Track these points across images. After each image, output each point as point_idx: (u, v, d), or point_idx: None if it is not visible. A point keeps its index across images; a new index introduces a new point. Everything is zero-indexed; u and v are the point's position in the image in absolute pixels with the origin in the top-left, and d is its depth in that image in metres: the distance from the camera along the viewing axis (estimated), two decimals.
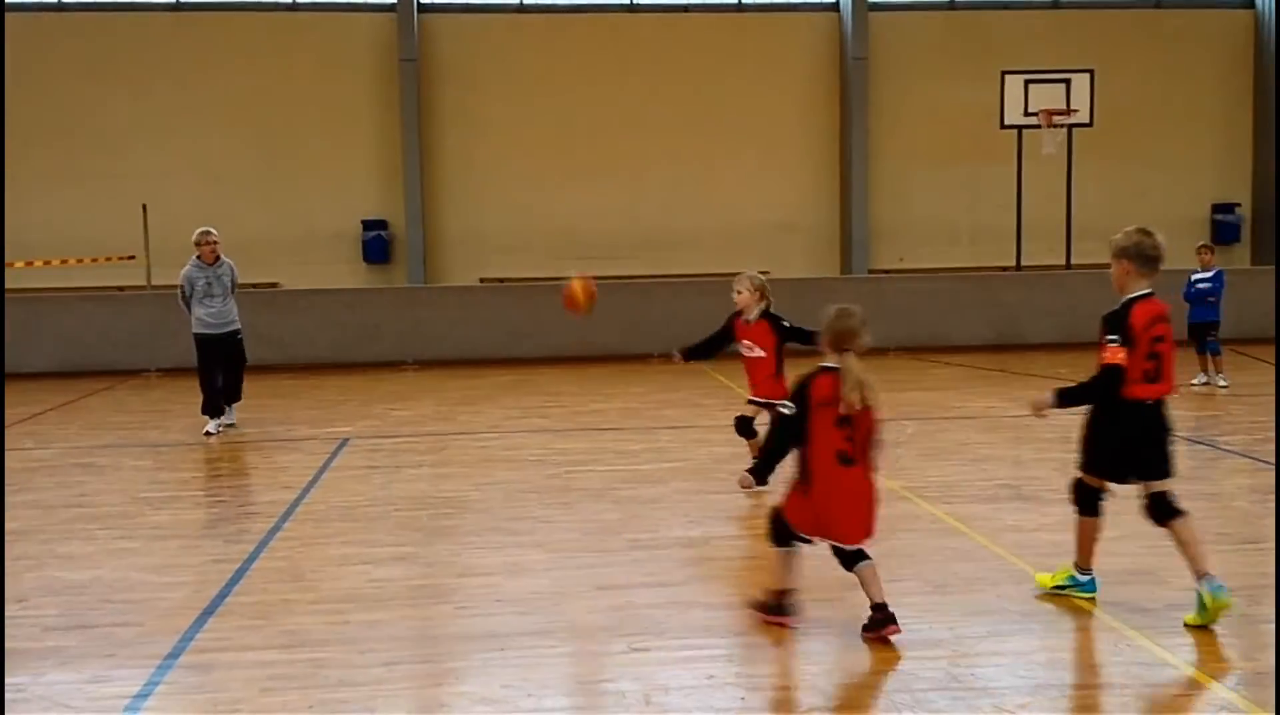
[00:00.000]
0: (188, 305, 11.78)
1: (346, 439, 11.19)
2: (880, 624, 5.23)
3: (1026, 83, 19.59)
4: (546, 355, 17.91)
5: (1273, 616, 5.38)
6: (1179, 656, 5.02)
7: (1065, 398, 5.55)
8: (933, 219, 23.58)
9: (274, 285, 21.27)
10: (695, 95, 23.31)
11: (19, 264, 18.48)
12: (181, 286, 11.77)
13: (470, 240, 23.24)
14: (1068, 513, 7.56)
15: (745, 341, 8.34)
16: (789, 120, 23.71)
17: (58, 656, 5.28)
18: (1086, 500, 5.77)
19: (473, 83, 23.02)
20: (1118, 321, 5.47)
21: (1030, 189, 20.01)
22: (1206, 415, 11.76)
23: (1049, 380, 14.31)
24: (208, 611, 5.86)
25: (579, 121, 22.87)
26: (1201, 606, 5.32)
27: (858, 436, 5.24)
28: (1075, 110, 19.50)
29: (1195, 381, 13.64)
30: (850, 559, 5.34)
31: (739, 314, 8.38)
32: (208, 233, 11.79)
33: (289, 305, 18.41)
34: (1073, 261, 19.98)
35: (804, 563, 5.51)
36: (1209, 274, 13.76)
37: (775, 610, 5.48)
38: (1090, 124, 19.70)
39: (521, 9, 23.32)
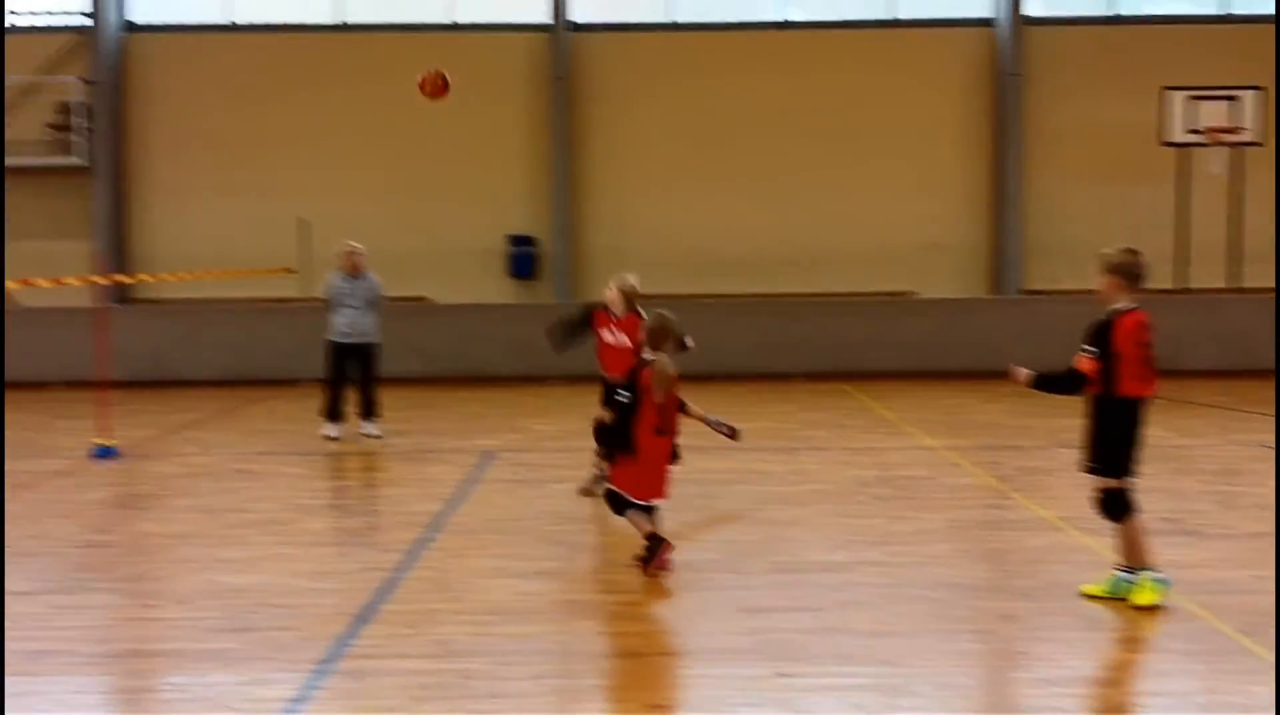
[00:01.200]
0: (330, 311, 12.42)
1: (493, 452, 11.36)
2: (653, 555, 6.65)
3: (1191, 99, 18.91)
4: (689, 373, 17.83)
5: None
6: None
7: (1042, 381, 6.19)
8: (1088, 239, 22.63)
9: (421, 299, 21.75)
10: (845, 111, 23.07)
11: (184, 275, 19.24)
12: (327, 294, 12.45)
13: (613, 256, 23.28)
14: (1231, 548, 7.29)
15: (611, 330, 9.23)
16: (940, 137, 23.29)
17: (219, 658, 5.46)
18: (1122, 505, 6.06)
19: (621, 100, 23.19)
20: (1100, 334, 6.04)
21: (1192, 209, 19.29)
22: None
23: (1211, 408, 13.77)
24: (361, 619, 6.00)
25: (726, 138, 22.83)
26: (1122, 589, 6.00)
27: (668, 413, 7.07)
28: (1243, 128, 18.76)
29: None
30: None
31: (605, 308, 9.28)
32: (350, 246, 12.39)
33: (436, 319, 18.80)
34: (1238, 285, 19.18)
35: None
36: None
37: (651, 558, 6.67)
38: (1259, 143, 18.92)
39: (675, 27, 23.45)
